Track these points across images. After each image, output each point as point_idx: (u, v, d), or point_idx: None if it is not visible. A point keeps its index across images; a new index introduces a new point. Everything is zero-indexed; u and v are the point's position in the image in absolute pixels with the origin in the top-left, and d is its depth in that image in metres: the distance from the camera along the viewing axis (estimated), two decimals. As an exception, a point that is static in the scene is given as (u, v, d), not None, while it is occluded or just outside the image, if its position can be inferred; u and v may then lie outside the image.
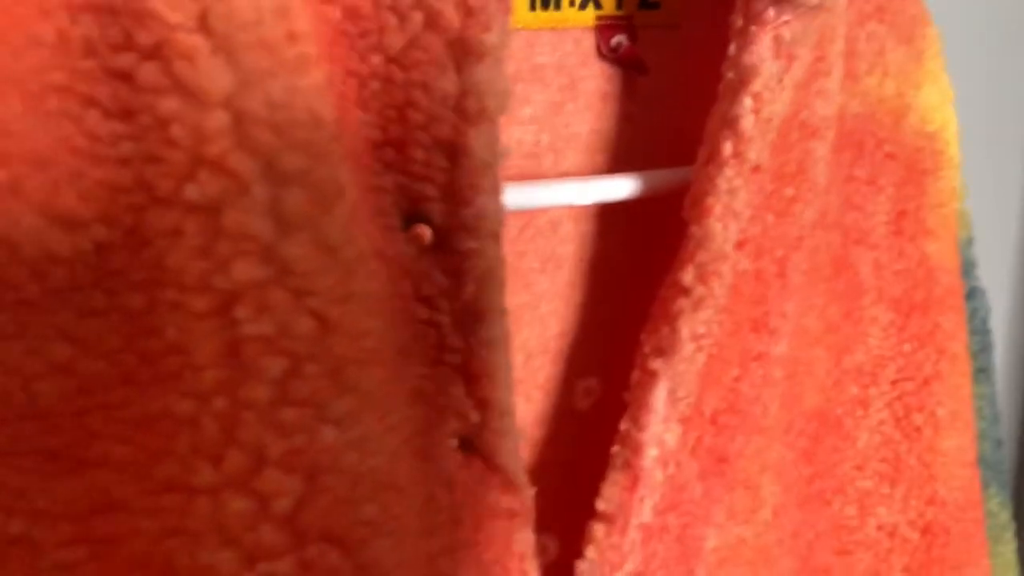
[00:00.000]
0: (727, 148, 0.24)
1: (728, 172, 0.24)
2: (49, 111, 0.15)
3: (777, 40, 0.24)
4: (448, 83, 0.17)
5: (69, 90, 0.15)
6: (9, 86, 0.15)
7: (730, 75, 0.24)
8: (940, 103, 0.33)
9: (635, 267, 0.30)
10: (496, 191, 0.18)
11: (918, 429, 0.34)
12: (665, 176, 0.27)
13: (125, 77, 0.15)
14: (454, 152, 0.18)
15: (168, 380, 0.16)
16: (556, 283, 0.27)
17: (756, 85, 0.24)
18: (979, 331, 0.36)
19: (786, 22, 0.24)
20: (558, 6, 0.26)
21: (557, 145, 0.27)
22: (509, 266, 0.26)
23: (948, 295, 0.34)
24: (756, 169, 0.25)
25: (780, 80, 0.24)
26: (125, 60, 0.15)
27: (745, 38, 0.24)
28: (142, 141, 0.15)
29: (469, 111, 0.17)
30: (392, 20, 0.17)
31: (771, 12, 0.23)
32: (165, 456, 0.16)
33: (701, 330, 0.25)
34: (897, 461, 0.34)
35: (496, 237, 0.19)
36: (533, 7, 0.25)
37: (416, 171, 0.18)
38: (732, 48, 0.24)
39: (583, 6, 0.26)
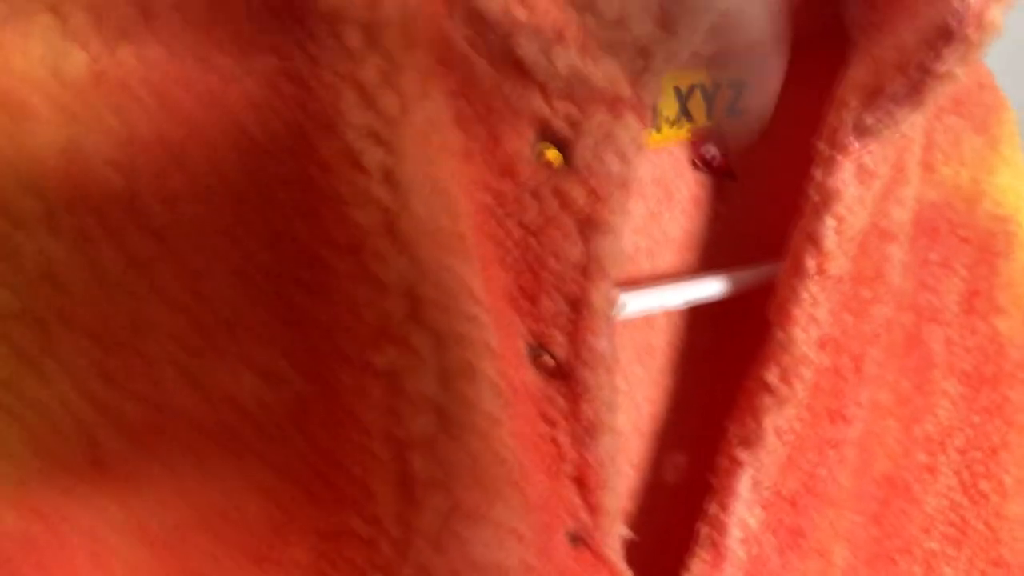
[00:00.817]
0: (811, 264, 0.26)
1: (811, 286, 0.26)
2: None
3: (860, 167, 0.26)
4: (576, 252, 0.20)
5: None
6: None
7: (815, 197, 0.26)
8: (1013, 185, 0.34)
9: (720, 356, 0.32)
10: (611, 335, 0.21)
11: (985, 495, 0.36)
12: (750, 275, 0.30)
13: (327, 267, 0.18)
14: (577, 305, 0.20)
15: (349, 505, 0.19)
16: (650, 371, 0.30)
17: (839, 208, 0.26)
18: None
19: (868, 150, 0.26)
20: (659, 129, 0.28)
21: (653, 249, 0.29)
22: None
23: (1018, 370, 0.36)
24: (838, 280, 0.27)
25: (862, 201, 0.26)
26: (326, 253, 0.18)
27: (830, 165, 0.26)
28: (336, 316, 0.18)
29: (592, 273, 0.20)
30: (533, 204, 0.19)
31: (855, 143, 0.26)
32: (345, 565, 0.19)
33: (784, 425, 0.27)
34: (963, 525, 0.36)
35: (610, 371, 0.21)
36: None
37: (545, 318, 0.21)
38: (817, 173, 0.26)
39: (677, 123, 0.29)
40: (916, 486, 0.35)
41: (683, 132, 0.29)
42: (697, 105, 0.29)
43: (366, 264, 0.18)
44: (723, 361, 0.33)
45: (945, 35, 0.22)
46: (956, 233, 0.34)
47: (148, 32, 0.19)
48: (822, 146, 0.26)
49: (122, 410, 0.21)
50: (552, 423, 0.22)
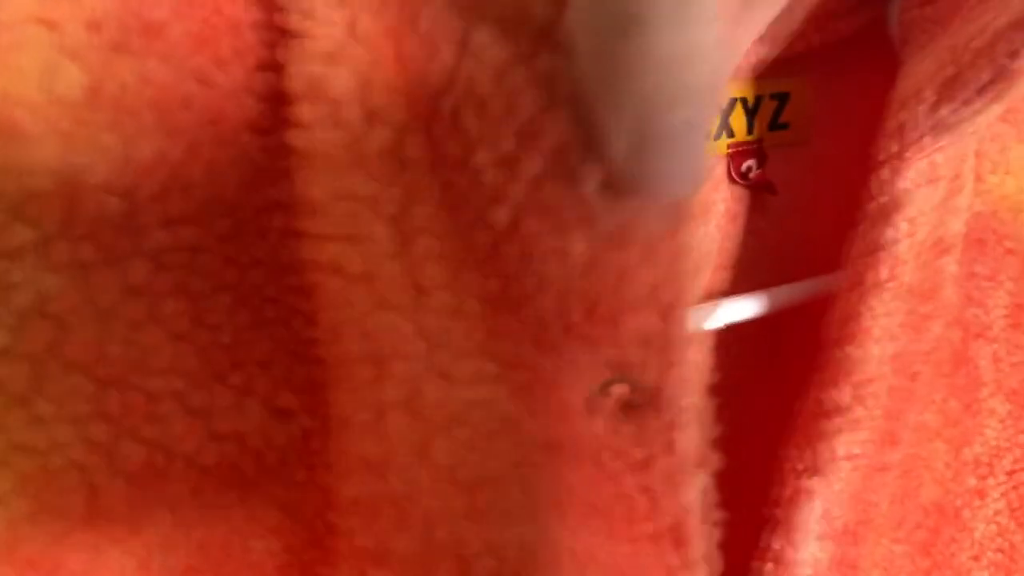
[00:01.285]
0: (883, 271, 0.24)
1: (885, 295, 0.24)
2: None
3: (932, 165, 0.24)
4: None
5: None
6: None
7: (884, 199, 0.24)
8: (1058, 196, 0.33)
9: (765, 379, 0.30)
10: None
11: (1032, 519, 0.34)
12: (793, 291, 0.28)
13: None
14: (669, 311, 0.18)
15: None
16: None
17: (911, 210, 0.24)
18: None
19: (940, 148, 0.24)
20: None
21: None
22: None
23: (1064, 385, 0.34)
24: (909, 290, 0.25)
25: (931, 202, 0.24)
26: None
27: (900, 162, 0.24)
28: None
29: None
30: None
31: (928, 139, 0.24)
32: None
33: (856, 450, 0.25)
34: (1012, 551, 0.34)
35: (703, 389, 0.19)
36: None
37: (628, 339, 0.18)
38: (885, 172, 0.24)
39: (716, 138, 0.27)
40: (966, 512, 0.33)
41: (722, 146, 0.28)
42: (738, 119, 0.28)
43: None
44: (769, 384, 0.31)
45: None
46: (1002, 244, 0.32)
47: (147, 48, 0.18)
48: (891, 144, 0.24)
49: (122, 451, 0.19)
50: (633, 470, 0.19)
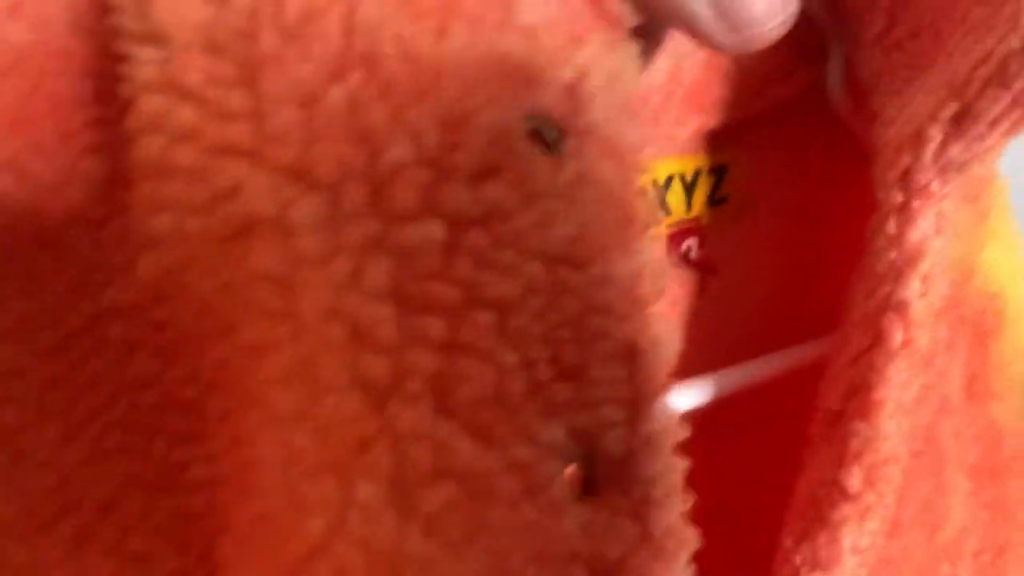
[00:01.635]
0: (897, 337, 0.21)
1: (900, 363, 0.21)
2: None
3: (940, 215, 0.22)
4: None
5: None
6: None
7: (892, 255, 0.22)
8: (1003, 259, 0.32)
9: (735, 467, 0.27)
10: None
11: (996, 604, 0.32)
12: (747, 371, 0.26)
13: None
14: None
15: None
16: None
17: (925, 266, 0.22)
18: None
19: (947, 194, 0.22)
20: None
21: None
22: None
23: (1014, 460, 0.33)
24: (921, 357, 0.22)
25: (943, 255, 0.22)
26: None
27: (906, 214, 0.22)
28: None
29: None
30: None
31: (936, 184, 0.21)
32: None
33: (865, 542, 0.22)
34: (983, 643, 0.32)
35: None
36: None
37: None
38: (891, 226, 0.22)
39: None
40: (940, 603, 0.31)
41: (660, 228, 0.26)
42: (676, 196, 0.26)
43: None
44: (738, 474, 0.27)
45: None
46: (956, 311, 0.31)
47: None
48: (896, 194, 0.22)
49: None
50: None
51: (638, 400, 0.16)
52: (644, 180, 0.25)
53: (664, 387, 0.16)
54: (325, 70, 0.13)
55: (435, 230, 0.12)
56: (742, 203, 0.28)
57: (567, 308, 0.13)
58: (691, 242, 0.26)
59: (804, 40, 0.27)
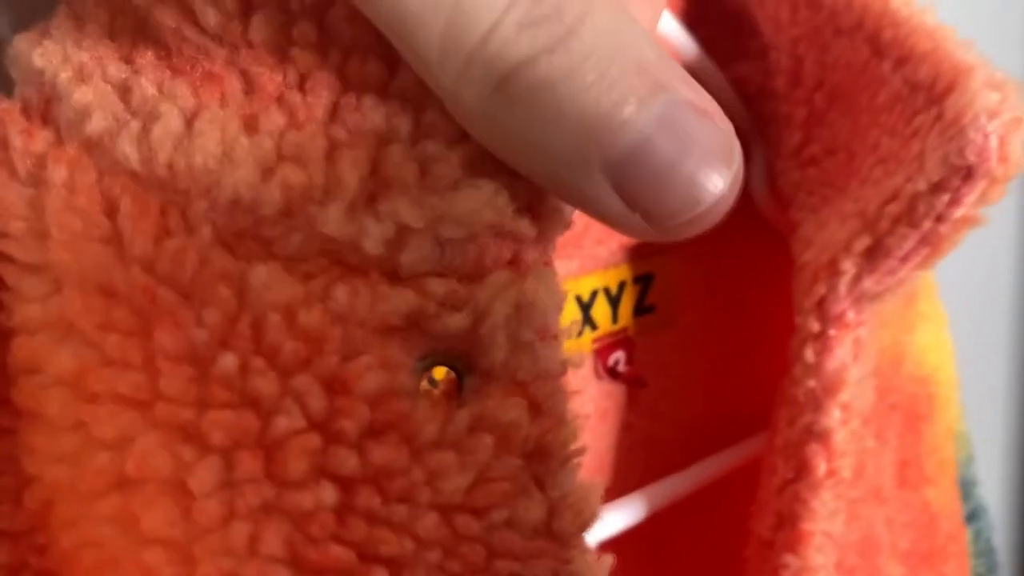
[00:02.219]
0: (821, 467, 0.21)
1: (825, 494, 0.21)
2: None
3: (857, 342, 0.22)
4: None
5: None
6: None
7: (811, 383, 0.22)
8: (933, 340, 0.32)
9: None
10: None
11: None
12: (672, 484, 0.25)
13: None
14: None
15: None
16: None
17: (844, 394, 0.21)
18: (985, 552, 0.35)
19: (863, 321, 0.22)
20: None
21: None
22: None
23: (949, 542, 0.33)
24: (845, 483, 0.22)
25: (861, 382, 0.22)
26: None
27: (823, 342, 0.22)
28: None
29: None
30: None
31: (851, 314, 0.21)
32: None
33: None
34: None
35: None
36: None
37: None
38: (809, 354, 0.22)
39: (579, 333, 0.25)
40: None
41: (586, 342, 0.25)
42: (601, 310, 0.25)
43: None
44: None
45: (965, 174, 0.19)
46: (885, 401, 0.31)
47: None
48: (810, 322, 0.22)
49: None
50: None
51: None
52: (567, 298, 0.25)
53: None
54: (217, 333, 0.12)
55: (327, 494, 0.12)
56: (669, 311, 0.27)
57: (470, 557, 0.13)
58: (619, 355, 0.26)
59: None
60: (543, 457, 0.13)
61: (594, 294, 0.25)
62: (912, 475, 0.32)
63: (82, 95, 0.13)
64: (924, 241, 0.20)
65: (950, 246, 0.20)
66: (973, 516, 0.34)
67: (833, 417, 0.21)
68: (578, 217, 0.23)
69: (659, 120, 0.12)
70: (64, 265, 0.13)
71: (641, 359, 0.26)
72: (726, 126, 0.13)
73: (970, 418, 0.35)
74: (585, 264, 0.25)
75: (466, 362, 0.13)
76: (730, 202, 0.13)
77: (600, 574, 0.14)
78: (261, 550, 0.12)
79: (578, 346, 0.25)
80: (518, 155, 0.12)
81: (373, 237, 0.12)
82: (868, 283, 0.21)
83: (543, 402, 0.13)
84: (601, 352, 0.25)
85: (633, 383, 0.26)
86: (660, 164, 0.12)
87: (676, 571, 0.27)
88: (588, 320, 0.25)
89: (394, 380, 0.12)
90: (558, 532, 0.13)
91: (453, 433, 0.12)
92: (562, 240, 0.23)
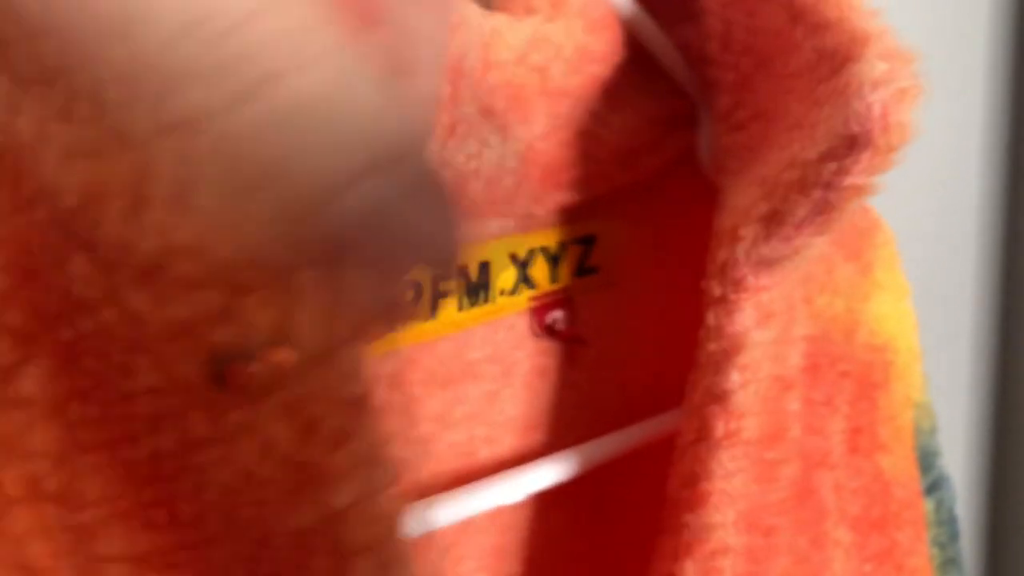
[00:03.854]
0: (719, 428, 0.22)
1: (722, 455, 0.22)
2: None
3: (759, 306, 0.22)
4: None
5: None
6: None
7: (712, 347, 0.22)
8: (891, 310, 0.32)
9: (590, 538, 0.27)
10: None
11: (884, 654, 0.32)
12: (607, 444, 0.25)
13: None
14: None
15: None
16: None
17: (743, 357, 0.22)
18: (946, 521, 0.35)
19: (766, 286, 0.22)
20: (488, 299, 0.24)
21: (493, 435, 0.24)
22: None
23: (904, 509, 0.33)
24: (748, 444, 0.22)
25: (765, 346, 0.22)
26: None
27: (725, 307, 0.22)
28: None
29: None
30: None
31: (751, 279, 0.22)
32: None
33: None
34: None
35: None
36: (462, 307, 0.23)
37: None
38: (711, 318, 0.22)
39: (515, 292, 0.25)
40: (818, 656, 0.31)
41: (522, 300, 0.25)
42: (540, 270, 0.26)
43: None
44: (593, 554, 0.27)
45: (849, 143, 0.19)
46: (836, 368, 0.31)
47: None
48: (714, 286, 0.22)
49: None
50: None
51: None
52: (502, 254, 0.25)
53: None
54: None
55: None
56: (612, 272, 0.27)
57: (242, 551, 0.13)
58: (557, 314, 0.26)
59: (676, 109, 0.27)
60: (309, 471, 0.13)
61: (532, 253, 0.26)
62: (864, 442, 0.32)
63: None
64: (816, 209, 0.20)
65: (842, 214, 0.20)
66: (935, 486, 0.34)
67: (732, 379, 0.22)
68: (509, 176, 0.24)
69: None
70: None
71: (584, 320, 0.27)
72: None
73: (934, 391, 0.35)
74: (522, 223, 0.25)
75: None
76: None
77: None
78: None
79: (515, 305, 0.25)
80: None
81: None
82: (765, 249, 0.21)
83: (318, 419, 0.13)
84: (538, 311, 0.26)
85: (571, 341, 0.26)
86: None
87: (615, 527, 0.28)
88: (526, 279, 0.25)
89: (172, 377, 0.13)
90: (336, 543, 0.13)
91: (220, 433, 0.13)
92: (493, 198, 0.24)
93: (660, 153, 0.27)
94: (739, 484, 0.22)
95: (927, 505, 0.34)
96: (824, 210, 0.20)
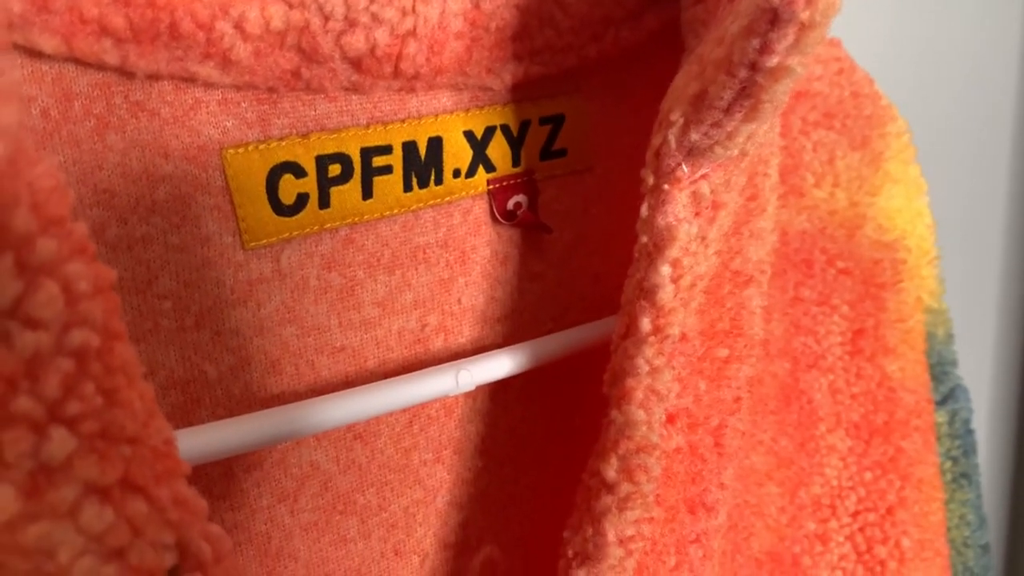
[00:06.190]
0: (645, 323, 0.21)
1: (648, 351, 0.21)
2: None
3: (695, 197, 0.20)
4: None
5: None
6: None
7: (643, 239, 0.21)
8: (903, 205, 0.29)
9: (548, 443, 0.26)
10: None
11: (882, 562, 0.31)
12: (565, 339, 0.24)
13: None
14: None
15: None
16: (454, 471, 0.24)
17: (674, 250, 0.20)
18: (961, 434, 0.33)
19: (704, 175, 0.20)
20: (440, 180, 0.22)
21: (447, 324, 0.23)
22: (395, 464, 0.23)
23: (912, 416, 0.31)
24: (682, 339, 0.21)
25: (703, 239, 0.21)
26: None
27: (657, 197, 0.20)
28: None
29: None
30: None
31: (683, 169, 0.20)
32: None
33: (630, 532, 0.21)
34: (861, 598, 0.31)
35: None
36: (409, 187, 0.22)
37: None
38: (644, 208, 0.21)
39: (471, 174, 0.23)
40: (806, 559, 0.30)
41: (480, 183, 0.24)
42: (499, 150, 0.24)
43: None
44: (554, 439, 0.27)
45: (771, 17, 0.17)
46: (834, 265, 0.29)
47: None
48: (648, 175, 0.21)
49: None
50: None
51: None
52: (454, 130, 0.23)
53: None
54: None
55: None
56: (582, 156, 0.25)
57: None
58: (519, 198, 0.24)
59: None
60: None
61: (490, 131, 0.24)
62: (868, 345, 0.30)
63: None
64: (744, 92, 0.18)
65: (770, 98, 0.18)
66: (950, 397, 0.32)
67: (661, 273, 0.20)
68: (456, 40, 0.22)
69: None
70: None
71: (549, 206, 0.25)
72: None
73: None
74: (477, 98, 0.23)
75: None
76: None
77: None
78: None
79: (470, 189, 0.24)
80: None
81: None
82: (695, 135, 0.19)
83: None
84: (498, 194, 0.24)
85: (533, 228, 0.25)
86: None
87: (572, 424, 0.27)
88: (484, 159, 0.24)
89: None
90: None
91: None
92: (440, 66, 0.22)
93: (639, 26, 0.25)
94: (667, 383, 0.21)
95: (940, 416, 0.32)
96: (752, 93, 0.18)
